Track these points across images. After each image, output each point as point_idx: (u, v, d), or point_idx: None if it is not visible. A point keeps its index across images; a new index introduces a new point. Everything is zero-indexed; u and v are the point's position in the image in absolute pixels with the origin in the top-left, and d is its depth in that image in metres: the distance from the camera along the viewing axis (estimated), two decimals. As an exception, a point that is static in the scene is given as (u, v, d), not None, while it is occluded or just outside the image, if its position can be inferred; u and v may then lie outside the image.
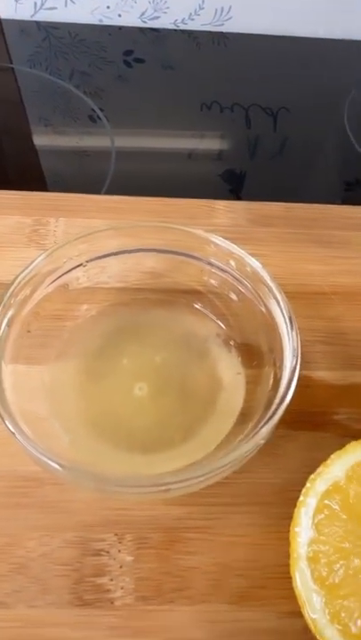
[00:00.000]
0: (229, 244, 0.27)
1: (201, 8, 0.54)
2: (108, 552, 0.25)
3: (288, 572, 0.23)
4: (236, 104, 0.51)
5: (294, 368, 0.23)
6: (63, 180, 0.44)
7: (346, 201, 0.43)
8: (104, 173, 0.43)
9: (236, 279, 0.28)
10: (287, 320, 0.24)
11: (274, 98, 0.52)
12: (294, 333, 0.24)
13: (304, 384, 0.30)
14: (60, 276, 0.27)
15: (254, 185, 0.45)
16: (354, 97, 0.51)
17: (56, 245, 0.26)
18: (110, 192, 0.41)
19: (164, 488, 0.21)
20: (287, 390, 0.23)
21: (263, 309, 0.27)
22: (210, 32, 0.56)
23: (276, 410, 0.22)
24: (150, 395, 0.27)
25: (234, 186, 0.45)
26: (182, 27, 0.55)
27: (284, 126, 0.49)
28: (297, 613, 0.22)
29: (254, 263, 0.26)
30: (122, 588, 0.24)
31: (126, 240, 0.28)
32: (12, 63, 0.52)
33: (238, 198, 0.44)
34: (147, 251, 0.29)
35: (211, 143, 0.49)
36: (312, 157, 0.48)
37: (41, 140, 0.47)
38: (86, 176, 0.44)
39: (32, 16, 0.54)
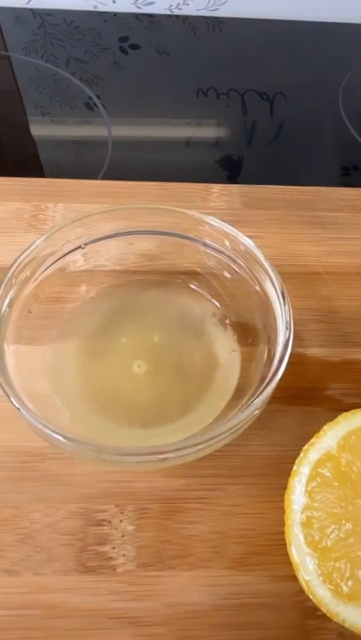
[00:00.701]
0: (223, 224, 0.28)
1: (195, -8, 0.54)
2: (109, 522, 0.26)
3: (283, 539, 0.24)
4: (231, 89, 0.51)
5: (287, 341, 0.24)
6: (60, 168, 0.45)
7: (343, 186, 0.44)
8: (101, 161, 0.43)
9: (231, 259, 0.29)
10: (280, 296, 0.25)
11: (269, 83, 0.52)
12: (287, 307, 0.25)
13: (298, 361, 0.31)
14: (58, 259, 0.28)
15: (252, 171, 0.45)
16: (349, 81, 0.52)
17: (54, 228, 0.27)
18: (107, 179, 0.42)
19: (161, 457, 0.22)
20: (280, 363, 0.24)
21: (257, 288, 0.28)
22: (205, 17, 0.56)
23: (270, 381, 0.23)
24: (149, 372, 0.28)
25: (231, 172, 0.45)
26: (177, 12, 0.55)
27: (280, 112, 0.50)
28: (292, 577, 0.23)
29: (248, 242, 0.27)
30: (123, 556, 0.25)
31: (123, 223, 0.29)
32: (7, 51, 0.52)
33: (235, 184, 0.44)
34: (143, 233, 0.30)
35: (207, 129, 0.49)
36: (309, 143, 0.48)
37: (38, 127, 0.48)
38: (84, 164, 0.45)
39: (27, 3, 0.54)
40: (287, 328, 0.24)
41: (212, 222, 0.28)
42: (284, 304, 0.25)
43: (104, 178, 0.42)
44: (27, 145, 0.47)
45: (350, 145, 0.47)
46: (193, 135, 0.48)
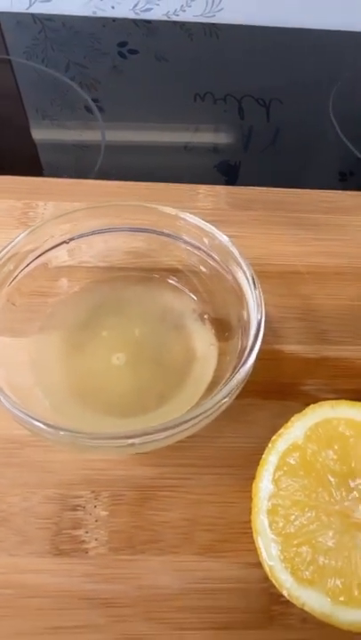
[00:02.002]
0: (199, 220, 0.28)
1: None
2: (84, 507, 0.27)
3: (251, 527, 0.25)
4: (228, 95, 0.52)
5: (258, 327, 0.25)
6: (61, 171, 0.46)
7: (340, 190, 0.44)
8: (98, 164, 0.45)
9: (209, 255, 0.30)
10: (250, 281, 0.26)
11: (266, 89, 0.53)
12: (258, 292, 0.26)
13: (275, 357, 0.32)
14: (42, 254, 0.29)
15: (249, 176, 0.46)
16: (339, 88, 0.53)
17: (37, 224, 0.28)
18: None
19: (130, 442, 0.22)
20: (250, 352, 0.24)
21: (233, 283, 0.28)
22: (201, 23, 0.57)
23: (238, 370, 0.24)
24: (128, 364, 0.29)
25: (229, 177, 0.46)
26: (174, 18, 0.57)
27: (276, 117, 0.51)
28: (258, 564, 0.24)
29: (223, 238, 0.28)
30: (96, 540, 0.26)
31: (105, 220, 0.30)
32: (8, 55, 0.53)
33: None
34: (125, 230, 0.31)
35: (204, 134, 0.50)
36: (306, 148, 0.49)
37: (38, 131, 0.49)
38: (82, 167, 0.46)
39: (27, 8, 0.56)
40: (258, 311, 0.25)
41: (189, 219, 0.28)
42: (255, 289, 0.26)
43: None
44: (27, 148, 0.48)
45: (343, 151, 0.48)
46: (191, 140, 0.49)
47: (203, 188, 0.39)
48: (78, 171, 0.44)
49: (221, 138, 0.50)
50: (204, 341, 0.30)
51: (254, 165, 0.47)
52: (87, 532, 0.26)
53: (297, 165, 0.47)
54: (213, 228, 0.28)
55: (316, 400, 0.30)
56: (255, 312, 0.26)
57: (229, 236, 0.28)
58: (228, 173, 0.46)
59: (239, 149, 0.48)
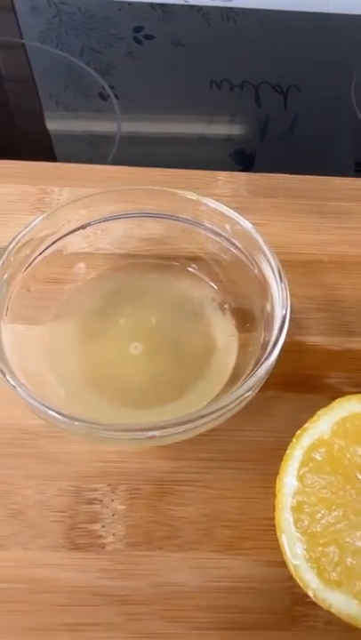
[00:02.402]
0: (222, 206, 0.27)
1: (210, -17, 0.54)
2: (101, 501, 0.26)
3: (273, 525, 0.24)
4: (245, 82, 0.51)
5: (283, 321, 0.24)
6: (74, 157, 0.45)
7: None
8: (113, 151, 0.44)
9: (231, 242, 0.28)
10: (276, 274, 0.25)
11: (284, 75, 0.51)
12: (283, 285, 0.25)
13: (298, 348, 0.31)
14: (58, 239, 0.28)
15: (265, 165, 0.44)
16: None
17: (52, 208, 0.27)
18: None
19: (149, 434, 0.21)
20: (275, 345, 0.23)
21: (256, 271, 0.27)
22: (219, 7, 0.55)
23: (263, 363, 0.23)
24: (145, 354, 0.28)
25: (244, 166, 0.45)
26: (191, 2, 0.55)
27: (294, 105, 0.49)
28: (281, 563, 0.23)
29: (246, 225, 0.27)
30: (113, 535, 0.25)
31: (122, 205, 0.29)
32: (22, 39, 0.52)
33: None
34: (143, 216, 0.30)
35: (221, 122, 0.49)
36: (323, 137, 0.48)
37: (52, 116, 0.48)
38: (96, 153, 0.45)
39: (42, -8, 0.55)
40: (283, 306, 0.24)
41: (211, 204, 0.27)
42: (281, 282, 0.25)
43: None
44: (40, 133, 0.47)
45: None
46: (206, 127, 0.48)
47: (222, 175, 0.38)
48: (92, 157, 0.43)
49: (238, 126, 0.48)
50: (224, 332, 0.29)
51: (270, 154, 0.46)
52: (104, 527, 0.25)
53: (315, 154, 0.46)
54: (236, 214, 0.27)
55: (339, 393, 0.29)
56: (280, 306, 0.25)
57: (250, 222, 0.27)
58: (244, 162, 0.45)
59: (255, 138, 0.47)
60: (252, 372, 0.24)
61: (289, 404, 0.29)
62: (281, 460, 0.25)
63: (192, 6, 0.55)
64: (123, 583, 0.24)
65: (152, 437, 0.22)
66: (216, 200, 0.28)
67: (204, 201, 0.28)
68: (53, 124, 0.48)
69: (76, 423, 0.22)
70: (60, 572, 0.24)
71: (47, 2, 0.55)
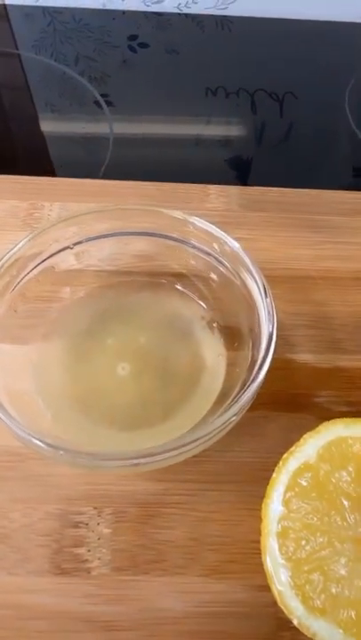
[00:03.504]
0: (210, 226, 0.27)
1: (204, -9, 0.53)
2: (87, 524, 0.26)
3: (259, 548, 0.23)
4: (241, 89, 0.51)
5: (270, 339, 0.24)
6: (70, 166, 0.45)
7: (354, 187, 0.43)
8: (107, 160, 0.43)
9: (218, 261, 0.28)
10: (261, 290, 0.25)
11: (279, 83, 0.51)
12: (268, 300, 0.24)
13: (287, 366, 0.31)
14: (46, 258, 0.28)
15: (261, 171, 0.44)
16: (356, 82, 0.51)
17: (41, 228, 0.27)
18: (116, 178, 0.41)
19: (134, 462, 0.21)
20: (261, 365, 0.23)
21: (244, 291, 0.27)
22: (213, 16, 0.55)
23: (249, 387, 0.23)
24: (133, 374, 0.28)
25: (240, 173, 0.44)
26: (186, 10, 0.55)
27: (290, 112, 0.49)
28: (266, 587, 0.23)
29: (233, 244, 0.27)
30: (99, 559, 0.25)
31: (112, 223, 0.29)
32: (17, 49, 0.52)
33: (245, 185, 0.44)
34: (133, 234, 0.29)
35: (216, 129, 0.49)
36: (319, 143, 0.47)
37: (47, 126, 0.48)
38: (91, 162, 0.44)
39: (36, 1, 0.55)
40: (270, 322, 0.24)
41: (198, 223, 0.27)
42: (266, 297, 0.24)
43: (108, 178, 0.42)
44: (37, 142, 0.47)
45: (358, 147, 0.46)
46: (202, 135, 0.47)
47: (213, 189, 0.37)
48: (87, 165, 0.43)
49: (233, 133, 0.48)
50: (212, 351, 0.29)
51: (267, 161, 0.46)
52: (89, 551, 0.25)
53: (310, 161, 0.46)
54: (224, 233, 0.27)
55: (328, 412, 0.29)
56: (266, 323, 0.24)
57: (240, 239, 0.27)
58: (240, 169, 0.45)
59: (251, 145, 0.47)
60: (238, 394, 0.24)
61: (277, 423, 0.29)
62: (268, 481, 0.24)
63: (187, 15, 0.55)
64: (108, 608, 0.24)
65: (136, 465, 0.21)
66: (206, 214, 0.28)
67: (192, 220, 0.28)
68: (49, 132, 0.47)
69: (61, 452, 0.22)
70: (45, 597, 0.24)
71: (41, 10, 0.55)
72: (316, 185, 0.38)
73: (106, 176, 0.41)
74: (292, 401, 0.29)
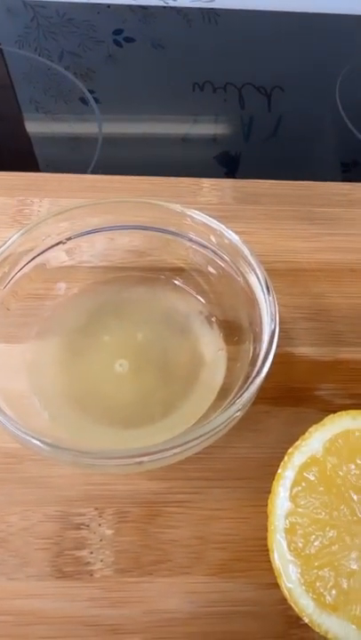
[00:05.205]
0: (207, 217, 0.27)
1: (190, -16, 0.53)
2: (88, 526, 0.25)
3: (267, 545, 0.23)
4: (228, 83, 0.50)
5: (272, 335, 0.23)
6: (56, 164, 0.44)
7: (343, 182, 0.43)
8: (95, 157, 0.43)
9: (216, 254, 0.28)
10: (264, 287, 0.24)
11: (267, 77, 0.51)
12: (271, 298, 0.24)
13: (287, 360, 0.30)
14: (38, 255, 0.27)
15: (250, 167, 0.44)
16: (346, 74, 0.51)
17: (31, 224, 0.26)
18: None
19: (137, 460, 0.21)
20: (264, 361, 0.23)
21: (243, 283, 0.27)
22: (200, 9, 0.55)
23: (252, 382, 0.22)
24: (131, 371, 0.27)
25: (229, 168, 0.44)
26: (172, 4, 0.54)
27: (278, 106, 0.49)
28: (274, 585, 0.22)
29: (232, 237, 0.26)
30: (101, 561, 0.24)
31: (105, 217, 0.28)
32: (0, 44, 0.51)
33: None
34: (126, 228, 0.29)
35: (204, 124, 0.48)
36: (308, 138, 0.47)
37: (32, 122, 0.47)
38: (78, 159, 0.44)
39: (19, -5, 0.54)
40: (272, 319, 0.23)
41: (196, 216, 0.27)
42: (268, 295, 0.24)
43: (97, 174, 0.41)
44: (21, 140, 0.46)
45: (349, 140, 0.46)
46: (190, 130, 0.47)
47: (207, 182, 0.37)
48: (75, 163, 0.42)
49: (221, 128, 0.48)
50: (211, 346, 0.28)
51: (255, 156, 0.45)
52: (92, 553, 0.24)
53: (299, 155, 0.46)
54: (222, 225, 0.26)
55: (330, 405, 0.29)
56: (268, 320, 0.24)
57: (236, 233, 0.27)
58: (228, 164, 0.44)
59: (240, 140, 0.46)
60: (241, 390, 0.23)
61: (279, 418, 0.28)
62: (273, 476, 0.24)
63: (172, 8, 0.55)
64: (113, 612, 0.23)
65: (140, 463, 0.21)
66: (201, 210, 0.27)
67: (189, 213, 0.27)
68: (34, 129, 0.46)
69: (61, 452, 0.21)
70: (47, 602, 0.23)
71: (24, 5, 0.54)
72: (305, 179, 0.38)
73: (94, 173, 0.41)
74: (293, 395, 0.29)
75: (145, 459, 0.21)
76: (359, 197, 0.37)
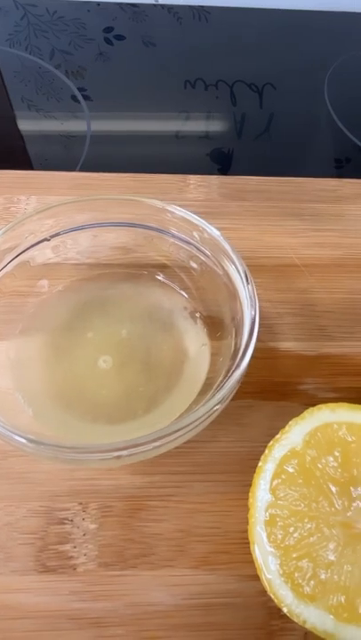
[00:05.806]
0: (190, 214, 0.27)
1: (180, -19, 0.53)
2: (71, 520, 0.25)
3: (248, 538, 0.23)
4: (220, 81, 0.51)
5: (253, 324, 0.23)
6: (49, 162, 0.44)
7: (336, 177, 0.42)
8: (84, 154, 0.43)
9: (200, 250, 0.28)
10: (243, 277, 0.24)
11: (258, 73, 0.51)
12: (250, 287, 0.24)
13: (272, 355, 0.30)
14: (22, 252, 0.27)
15: (243, 163, 0.44)
16: (334, 71, 0.51)
17: (16, 220, 0.26)
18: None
19: (116, 454, 0.21)
20: (244, 353, 0.23)
21: (225, 279, 0.27)
22: (190, 6, 0.55)
23: (232, 374, 0.23)
24: (115, 367, 0.27)
25: (222, 165, 0.44)
26: (162, 1, 0.54)
27: (270, 103, 0.49)
28: (256, 577, 0.23)
29: (213, 232, 0.26)
30: (85, 555, 0.24)
31: (89, 214, 0.28)
32: (-10, 43, 0.51)
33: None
34: (111, 225, 0.29)
35: (196, 122, 0.48)
36: (301, 134, 0.47)
37: (24, 121, 0.47)
38: (68, 156, 0.44)
39: (9, -6, 0.54)
40: (252, 307, 0.23)
41: (177, 212, 0.27)
42: (248, 284, 0.24)
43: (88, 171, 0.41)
44: (14, 138, 0.46)
45: (339, 137, 0.46)
46: (182, 128, 0.47)
47: (193, 179, 0.37)
48: (65, 160, 0.43)
49: (213, 125, 0.48)
50: (195, 341, 0.29)
51: (248, 153, 0.45)
52: (75, 547, 0.24)
53: (292, 152, 0.46)
54: (203, 221, 0.27)
55: (314, 399, 0.29)
56: (248, 309, 0.24)
57: (222, 229, 0.27)
58: (221, 161, 0.44)
59: (232, 137, 0.46)
60: (221, 383, 0.23)
61: (263, 412, 0.28)
62: (255, 469, 0.24)
63: (163, 5, 0.55)
64: (96, 605, 0.23)
65: (119, 457, 0.21)
66: (187, 205, 0.28)
67: (171, 209, 0.27)
68: (26, 127, 0.47)
69: (42, 447, 0.21)
70: (31, 596, 0.23)
71: (14, 3, 0.54)
72: (298, 176, 0.38)
73: (83, 170, 0.41)
74: (277, 389, 0.29)
75: (123, 452, 0.21)
76: (347, 193, 0.37)
